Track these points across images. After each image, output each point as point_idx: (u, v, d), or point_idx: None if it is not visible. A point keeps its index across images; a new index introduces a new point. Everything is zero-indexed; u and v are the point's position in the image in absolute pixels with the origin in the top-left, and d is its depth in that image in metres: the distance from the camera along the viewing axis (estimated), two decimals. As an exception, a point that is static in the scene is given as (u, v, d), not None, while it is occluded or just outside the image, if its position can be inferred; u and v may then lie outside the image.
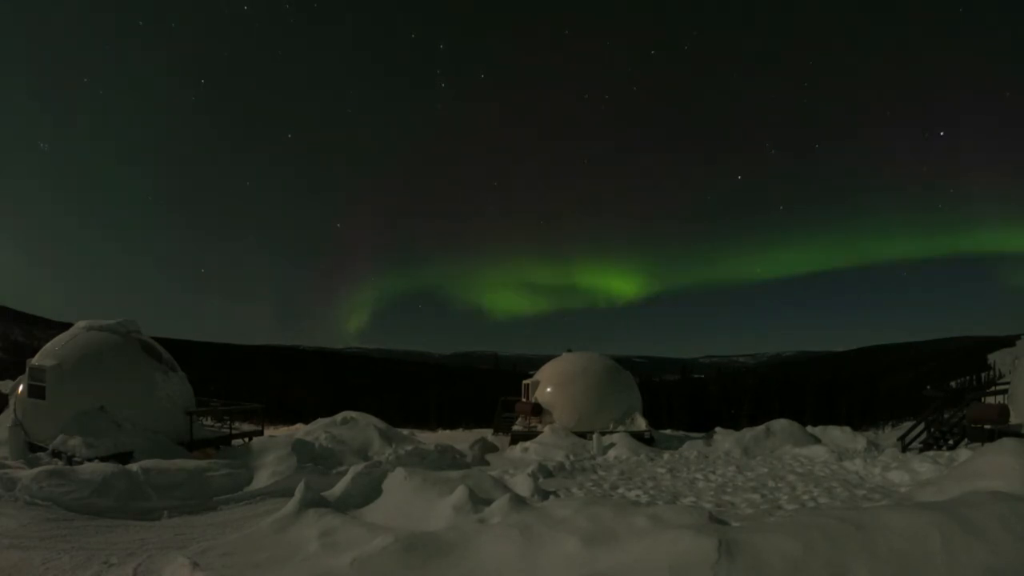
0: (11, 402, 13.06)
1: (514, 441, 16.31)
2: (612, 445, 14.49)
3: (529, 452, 14.37)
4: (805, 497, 8.69)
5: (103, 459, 10.42)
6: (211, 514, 8.15)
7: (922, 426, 14.69)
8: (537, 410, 17.65)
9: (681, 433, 20.22)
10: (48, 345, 13.32)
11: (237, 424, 15.85)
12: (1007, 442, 7.15)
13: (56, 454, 11.28)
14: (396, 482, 7.25)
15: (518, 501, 5.80)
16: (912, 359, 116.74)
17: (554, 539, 4.56)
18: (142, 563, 5.27)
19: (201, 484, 9.19)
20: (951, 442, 13.69)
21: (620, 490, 9.63)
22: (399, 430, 17.77)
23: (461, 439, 18.12)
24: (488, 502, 6.06)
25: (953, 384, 59.56)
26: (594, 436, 15.12)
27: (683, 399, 52.36)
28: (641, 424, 17.03)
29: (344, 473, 8.90)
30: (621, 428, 16.58)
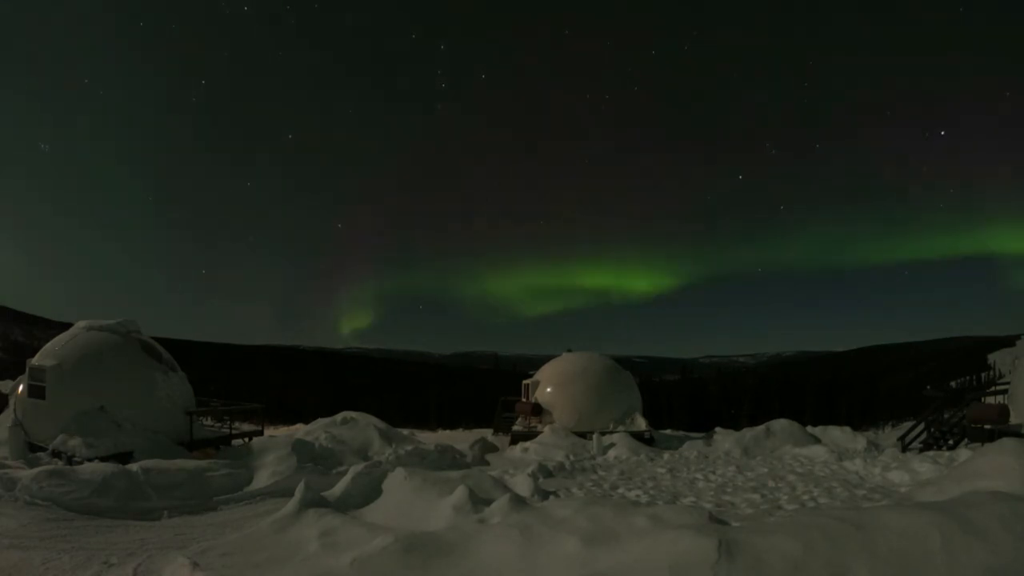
0: (11, 402, 13.06)
1: (514, 441, 16.31)
2: (612, 445, 14.49)
3: (529, 452, 14.37)
4: (805, 497, 8.69)
5: (103, 459, 10.42)
6: (211, 514, 8.15)
7: (922, 426, 14.69)
8: (537, 410, 17.64)
9: (681, 433, 20.22)
10: (48, 345, 13.32)
11: (237, 424, 15.85)
12: (1007, 442, 7.15)
13: (56, 454, 11.28)
14: (396, 482, 7.25)
15: (518, 501, 5.80)
16: (912, 359, 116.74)
17: (554, 539, 4.56)
18: (142, 563, 5.27)
19: (201, 484, 9.19)
20: (951, 442, 13.69)
21: (620, 490, 9.63)
22: (399, 430, 17.77)
23: (461, 439, 18.12)
24: (488, 502, 6.06)
25: (953, 384, 59.54)
26: (594, 436, 15.12)
27: (683, 399, 52.36)
28: (641, 424, 17.03)
29: (344, 473, 8.90)
30: (621, 428, 16.58)
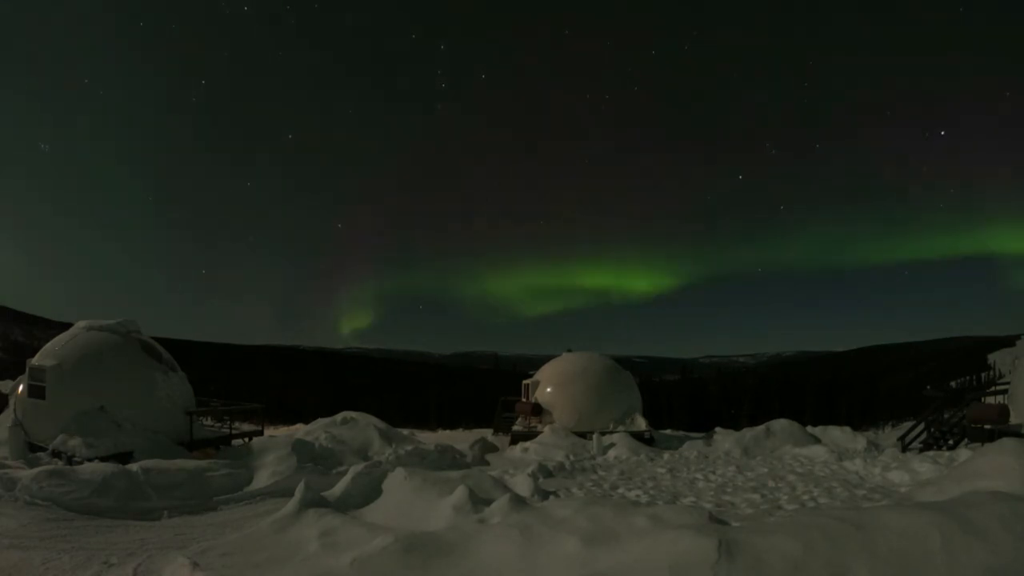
0: (11, 402, 13.06)
1: (514, 441, 16.31)
2: (612, 445, 14.49)
3: (529, 452, 14.37)
4: (805, 497, 8.69)
5: (103, 459, 10.42)
6: (211, 514, 8.15)
7: (922, 426, 14.69)
8: (537, 410, 17.64)
9: (681, 433, 20.22)
10: (48, 345, 13.32)
11: (237, 424, 15.85)
12: (1007, 442, 7.15)
13: (56, 454, 11.28)
14: (396, 482, 7.25)
15: (518, 501, 5.80)
16: (912, 359, 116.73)
17: (554, 539, 4.56)
18: (142, 563, 5.27)
19: (201, 484, 9.19)
20: (951, 442, 13.69)
21: (620, 490, 9.63)
22: (399, 430, 17.77)
23: (461, 439, 18.13)
24: (488, 502, 6.06)
25: (953, 384, 59.54)
26: (594, 436, 15.12)
27: (683, 399, 52.36)
28: (641, 424, 17.03)
29: (344, 473, 8.90)
30: (621, 428, 16.58)
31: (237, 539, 6.02)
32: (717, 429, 17.56)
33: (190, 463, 9.84)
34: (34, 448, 11.71)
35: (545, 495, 8.67)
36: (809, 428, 15.80)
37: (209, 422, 15.19)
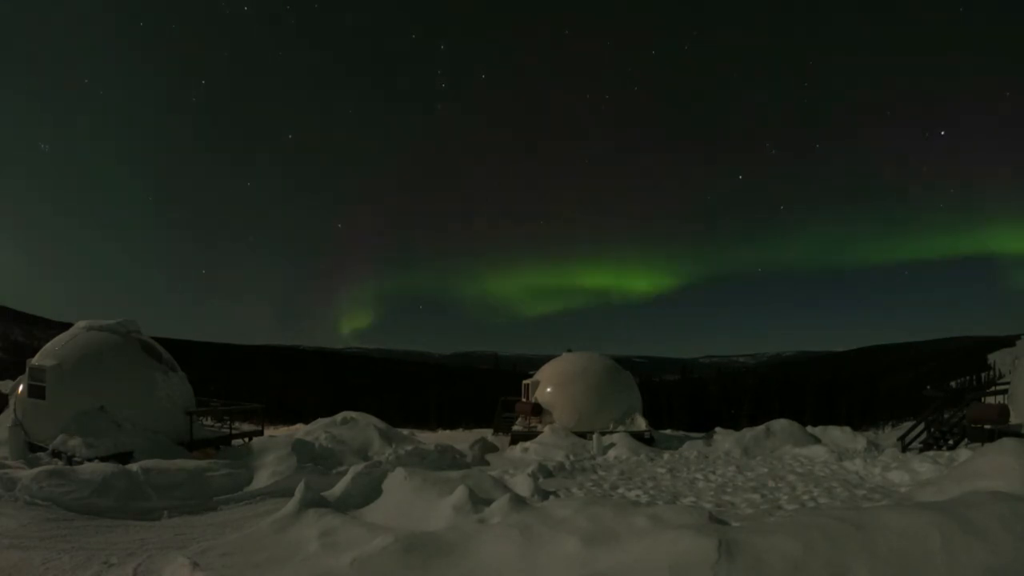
0: (11, 402, 13.06)
1: (514, 441, 16.31)
2: (612, 445, 14.49)
3: (529, 452, 14.37)
4: (805, 497, 8.69)
5: (103, 459, 10.42)
6: (211, 514, 8.15)
7: (922, 426, 14.69)
8: (537, 410, 17.64)
9: (681, 433, 20.22)
10: (48, 345, 13.32)
11: (237, 424, 15.85)
12: (1007, 442, 7.15)
13: (56, 454, 11.28)
14: (396, 482, 7.25)
15: (518, 501, 5.80)
16: (912, 359, 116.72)
17: (554, 539, 4.56)
18: (142, 563, 5.27)
19: (201, 484, 9.19)
20: (951, 442, 13.69)
21: (620, 490, 9.63)
22: (399, 430, 17.77)
23: (461, 439, 18.13)
24: (488, 502, 6.06)
25: (953, 384, 59.55)
26: (594, 436, 15.12)
27: (683, 399, 52.36)
28: (641, 424, 17.03)
29: (344, 473, 8.90)
30: (621, 428, 16.58)
31: (237, 539, 6.02)
32: (717, 429, 17.56)
33: (190, 463, 9.84)
34: (34, 448, 11.71)
35: (545, 495, 8.67)
36: (809, 428, 15.80)
37: (209, 422, 15.19)
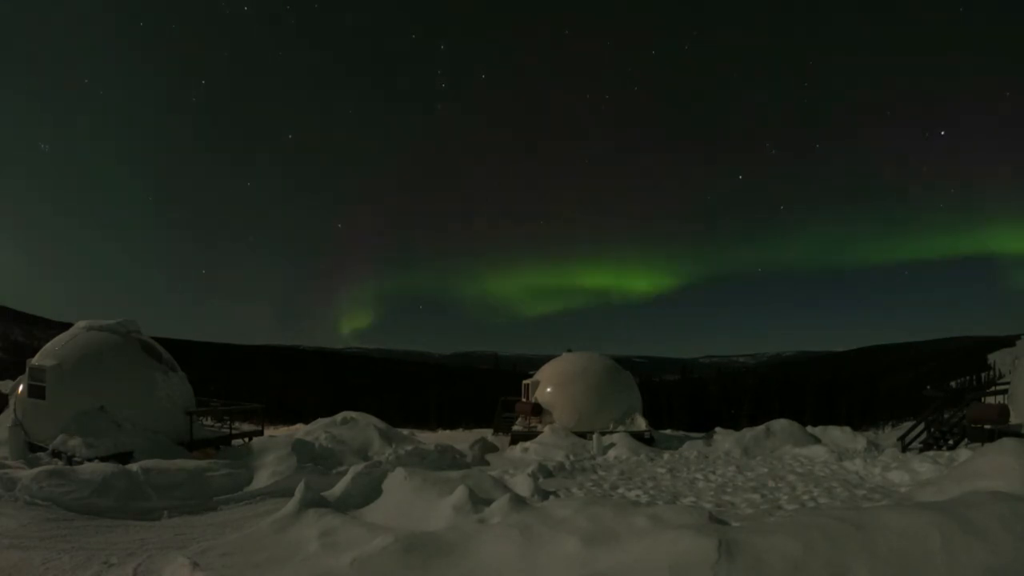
0: (11, 402, 13.06)
1: (514, 441, 16.31)
2: (612, 445, 14.49)
3: (529, 452, 14.37)
4: (805, 497, 8.69)
5: (103, 459, 10.42)
6: (211, 514, 8.15)
7: (922, 426, 14.69)
8: (537, 410, 17.64)
9: (681, 433, 20.22)
10: (48, 345, 13.32)
11: (237, 424, 15.85)
12: (1007, 442, 7.15)
13: (56, 454, 11.28)
14: (396, 482, 7.25)
15: (518, 501, 5.80)
16: (912, 359, 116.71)
17: (554, 539, 4.56)
18: (142, 563, 5.27)
19: (201, 484, 9.19)
20: (951, 442, 13.69)
21: (620, 490, 9.63)
22: (399, 430, 17.77)
23: (461, 439, 18.13)
24: (488, 502, 6.06)
25: (953, 384, 59.55)
26: (594, 436, 15.12)
27: (683, 399, 52.36)
28: (641, 424, 17.03)
29: (344, 473, 8.90)
30: (621, 428, 16.58)
31: (237, 539, 6.02)
32: (717, 429, 17.56)
33: (190, 463, 9.84)
34: (34, 448, 11.71)
35: (545, 495, 8.67)
36: (809, 428, 15.80)
37: (209, 422, 15.19)
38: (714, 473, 11.05)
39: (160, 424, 12.65)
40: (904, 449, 13.99)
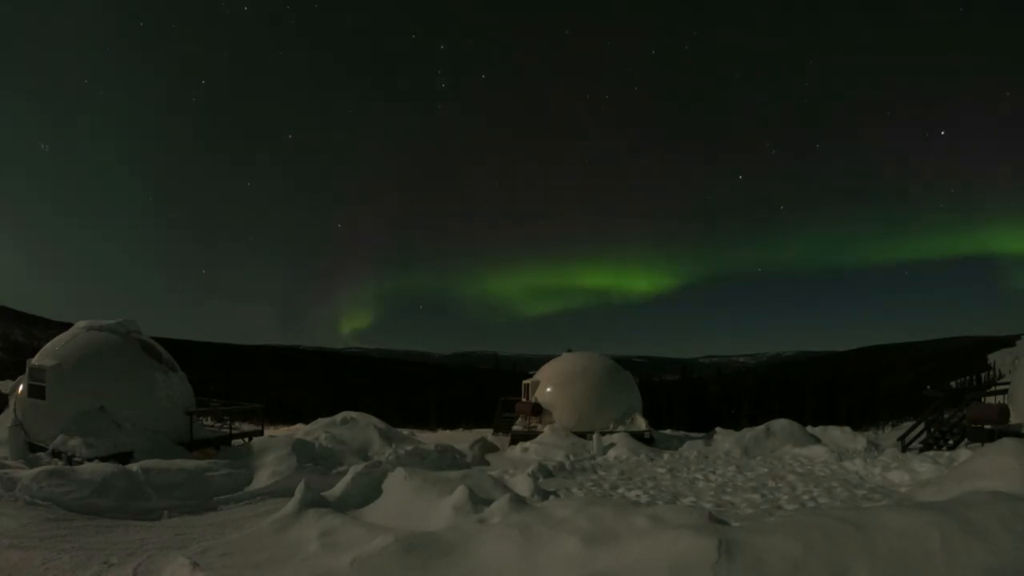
0: (11, 402, 13.06)
1: (514, 441, 16.31)
2: (612, 445, 14.49)
3: (529, 452, 14.37)
4: (805, 497, 8.69)
5: (103, 459, 10.42)
6: (211, 514, 8.15)
7: (922, 426, 14.69)
8: (537, 410, 17.64)
9: (681, 433, 20.23)
10: (48, 345, 13.32)
11: (237, 424, 15.85)
12: (1007, 442, 7.14)
13: (56, 454, 11.28)
14: (396, 482, 7.24)
15: (518, 501, 5.80)
16: (912, 359, 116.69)
17: (554, 539, 4.56)
18: (142, 563, 5.27)
19: (201, 484, 9.19)
20: (951, 442, 13.69)
21: (620, 490, 9.63)
22: (399, 430, 17.77)
23: (461, 439, 18.13)
24: (488, 502, 6.06)
25: (953, 384, 59.57)
26: (594, 436, 15.12)
27: (683, 399, 52.38)
28: (641, 424, 17.03)
29: (344, 473, 8.90)
30: (621, 428, 16.58)
31: (237, 539, 6.02)
32: (717, 429, 17.55)
33: (190, 463, 9.84)
34: (34, 448, 11.71)
35: (545, 495, 8.67)
36: (809, 428, 15.80)
37: (209, 422, 15.19)
38: (714, 473, 11.05)
39: (160, 424, 12.65)
40: (904, 449, 13.99)
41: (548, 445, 14.72)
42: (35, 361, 12.79)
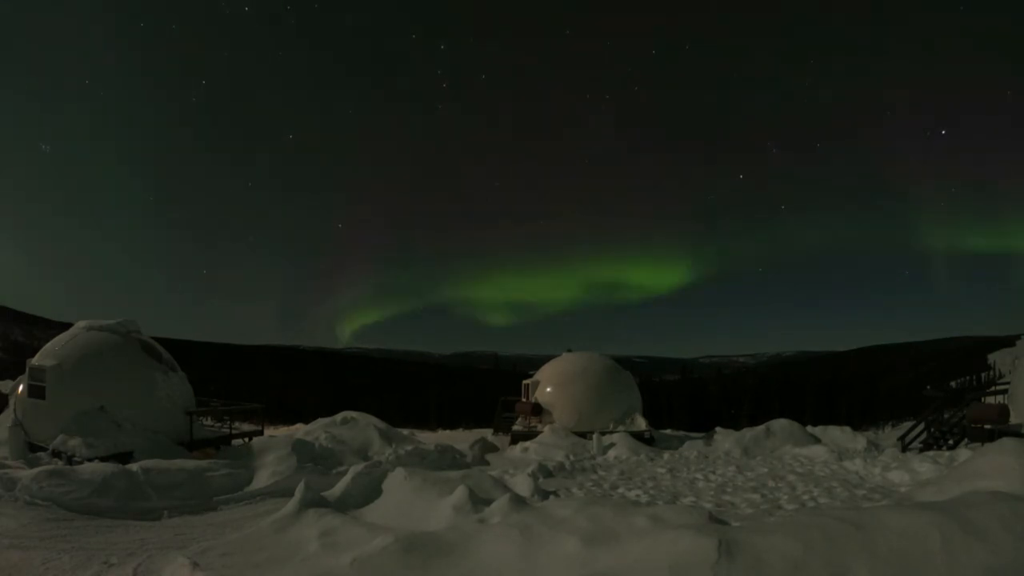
0: (11, 402, 13.06)
1: (514, 441, 16.31)
2: (612, 445, 14.49)
3: (529, 452, 14.37)
4: (805, 497, 8.69)
5: (103, 459, 10.42)
6: (211, 514, 8.15)
7: (922, 426, 14.69)
8: (537, 410, 17.65)
9: (681, 433, 20.23)
10: (48, 345, 13.32)
11: (237, 424, 15.85)
12: (1007, 442, 7.14)
13: (56, 454, 11.28)
14: (396, 482, 7.24)
15: (518, 501, 5.80)
16: (912, 359, 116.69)
17: (554, 539, 4.56)
18: (142, 563, 5.27)
19: (201, 484, 9.18)
20: (951, 442, 13.69)
21: (620, 490, 9.63)
22: (399, 430, 17.77)
23: (461, 439, 18.13)
24: (488, 502, 6.06)
25: (953, 384, 59.58)
26: (594, 436, 15.12)
27: (683, 399, 52.37)
28: (641, 424, 17.03)
29: (344, 473, 8.90)
30: (621, 428, 16.58)
31: (237, 539, 6.02)
32: (717, 429, 17.55)
33: (190, 463, 9.84)
34: (34, 448, 11.71)
35: (545, 495, 8.67)
36: (809, 428, 15.80)
37: (209, 422, 15.19)
38: (714, 473, 11.05)
39: (160, 424, 12.65)
40: (904, 449, 13.98)
41: (548, 445, 14.72)
42: (35, 361, 12.79)
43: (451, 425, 34.75)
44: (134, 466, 9.02)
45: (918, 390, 26.32)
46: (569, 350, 19.80)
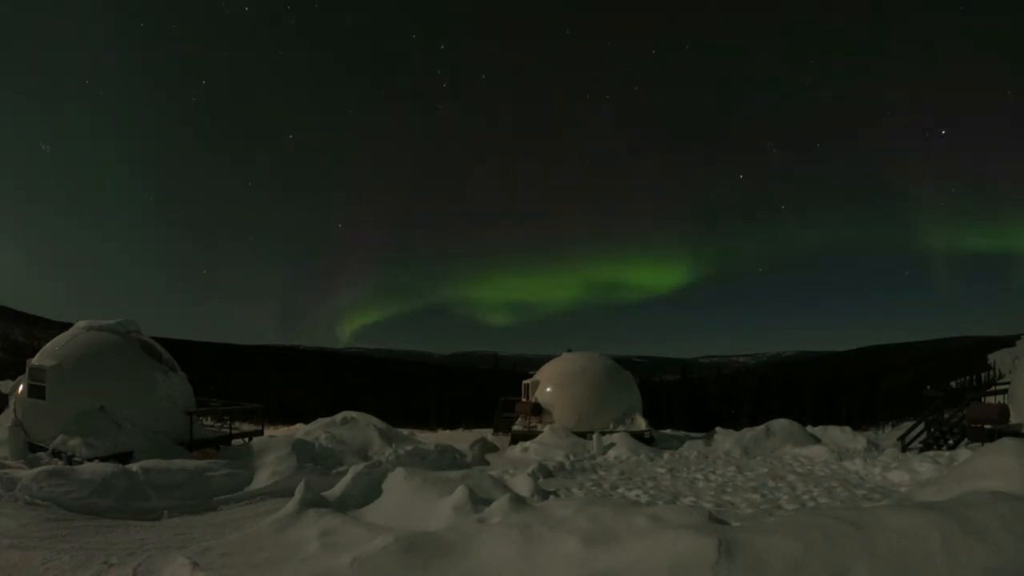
0: (11, 402, 13.06)
1: (514, 441, 16.32)
2: (612, 445, 14.49)
3: (529, 452, 14.37)
4: (805, 497, 8.69)
5: (103, 459, 10.42)
6: (211, 514, 8.15)
7: (922, 426, 14.69)
8: (537, 410, 17.65)
9: (681, 433, 20.23)
10: (48, 345, 13.32)
11: (237, 424, 15.86)
12: (1007, 442, 7.15)
13: (56, 454, 11.28)
14: (396, 482, 7.25)
15: (518, 501, 5.80)
16: (912, 359, 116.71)
17: (554, 539, 4.56)
18: (142, 563, 5.27)
19: (201, 484, 9.19)
20: (951, 442, 13.69)
21: (620, 490, 9.63)
22: (399, 430, 17.78)
23: (461, 439, 18.13)
24: (488, 502, 6.06)
25: (953, 384, 59.58)
26: (594, 436, 15.12)
27: (683, 399, 52.36)
28: (641, 424, 17.03)
29: (344, 473, 8.90)
30: (621, 428, 16.58)
31: (237, 539, 6.02)
32: (717, 429, 17.55)
33: (190, 463, 9.84)
34: (34, 448, 11.71)
35: (545, 495, 8.68)
36: (809, 428, 15.80)
37: (209, 422, 15.19)
38: (714, 473, 11.05)
39: (160, 424, 12.65)
40: (904, 449, 13.99)
41: (548, 445, 14.72)
42: (35, 361, 12.80)
43: (451, 425, 34.75)
44: (134, 466, 9.02)
45: (918, 390, 26.32)
46: (569, 350, 19.80)
